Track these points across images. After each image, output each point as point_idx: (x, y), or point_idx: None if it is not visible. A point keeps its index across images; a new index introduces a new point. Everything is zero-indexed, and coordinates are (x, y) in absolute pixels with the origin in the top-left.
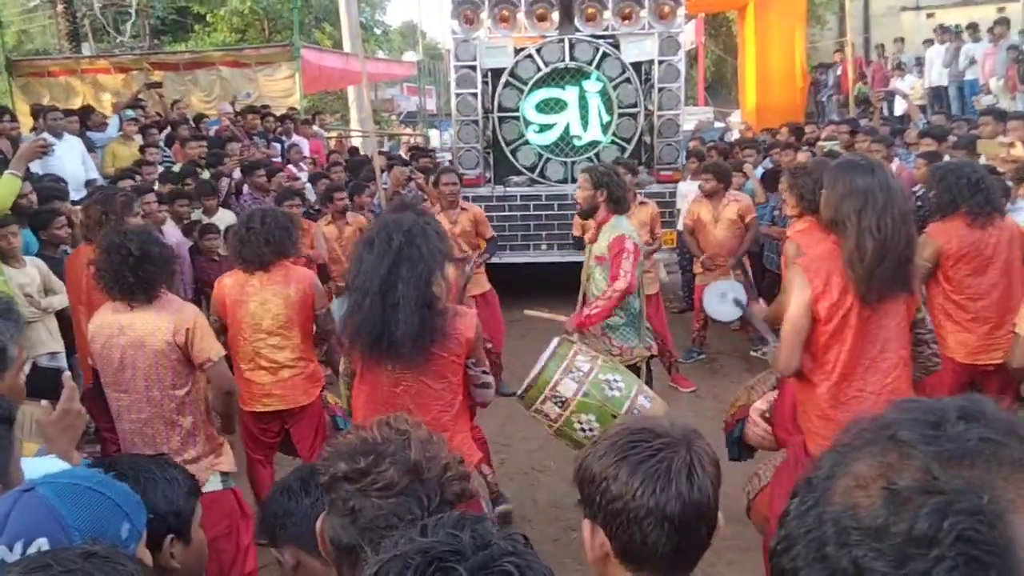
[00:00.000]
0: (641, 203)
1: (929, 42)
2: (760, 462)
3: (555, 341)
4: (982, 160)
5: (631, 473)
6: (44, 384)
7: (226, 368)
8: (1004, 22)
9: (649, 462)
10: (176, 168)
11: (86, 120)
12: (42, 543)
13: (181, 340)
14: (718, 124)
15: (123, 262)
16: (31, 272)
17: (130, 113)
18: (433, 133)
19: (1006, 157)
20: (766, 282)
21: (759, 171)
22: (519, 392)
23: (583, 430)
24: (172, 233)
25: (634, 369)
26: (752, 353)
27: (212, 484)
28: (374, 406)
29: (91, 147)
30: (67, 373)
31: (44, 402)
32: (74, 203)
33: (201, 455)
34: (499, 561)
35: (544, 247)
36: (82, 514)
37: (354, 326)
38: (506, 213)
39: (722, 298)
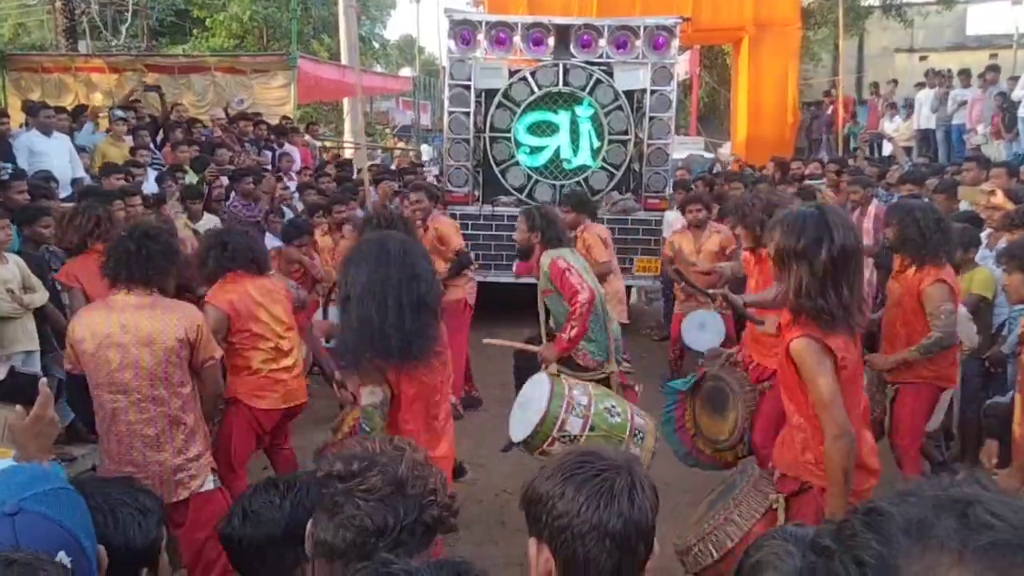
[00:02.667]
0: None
1: (921, 85)
2: (712, 510)
3: (546, 379)
4: (963, 205)
5: (577, 491)
6: (21, 389)
7: (219, 370)
8: (995, 69)
9: (593, 481)
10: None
11: (78, 118)
12: (62, 556)
13: (192, 336)
14: (707, 155)
15: (142, 245)
16: (12, 268)
17: (119, 113)
18: (426, 148)
19: (986, 204)
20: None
21: None
22: (523, 438)
23: None
24: None
25: (605, 384)
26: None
27: (208, 483)
28: (424, 410)
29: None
30: (43, 379)
31: (18, 407)
32: (63, 201)
33: (201, 452)
34: None
35: None
36: (77, 517)
37: (391, 336)
38: (493, 233)
39: (701, 328)
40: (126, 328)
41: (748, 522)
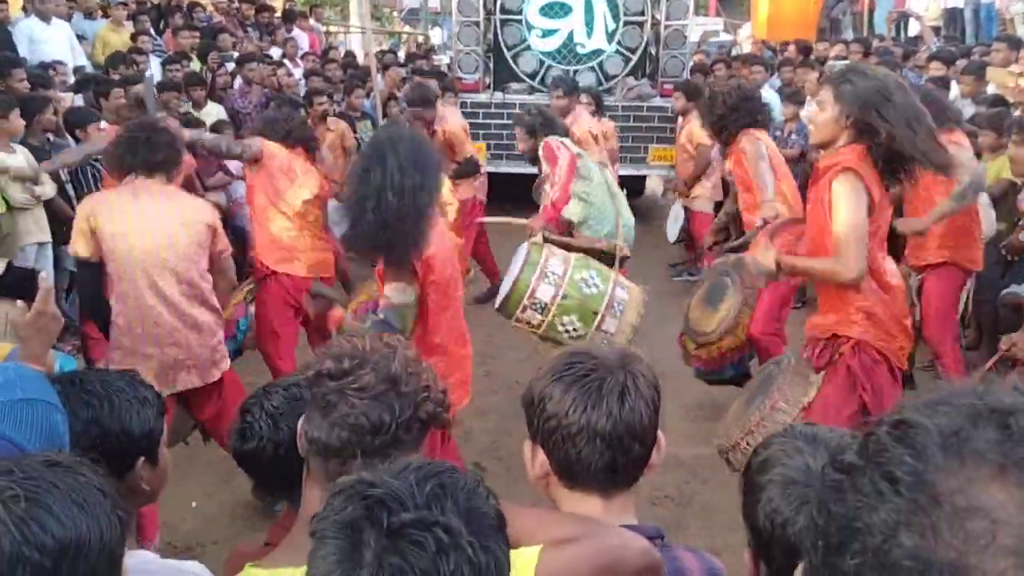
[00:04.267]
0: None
1: None
2: (753, 405)
3: (524, 247)
4: (991, 88)
5: (564, 392)
6: (19, 283)
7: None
8: None
9: (582, 381)
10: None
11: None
12: None
13: (215, 224)
14: (727, 36)
15: (153, 135)
16: (20, 159)
17: None
18: (436, 32)
19: (1015, 87)
20: None
21: (769, 90)
22: (497, 304)
23: (567, 331)
24: None
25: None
26: (675, 278)
27: (227, 361)
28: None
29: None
30: (43, 273)
31: (19, 302)
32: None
33: (223, 337)
34: (426, 529)
35: None
36: (28, 430)
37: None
38: (504, 121)
39: (675, 220)
40: (159, 214)
41: (795, 408)
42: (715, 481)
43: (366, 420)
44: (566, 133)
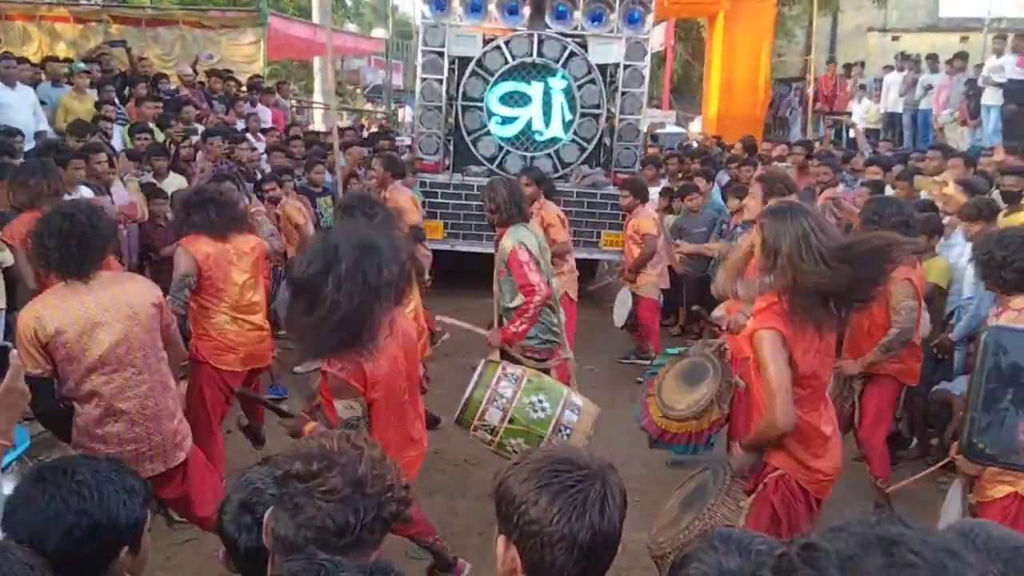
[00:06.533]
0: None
1: (889, 68)
2: (687, 516)
3: (480, 364)
4: (922, 195)
5: (550, 501)
6: None
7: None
8: (963, 56)
9: (568, 492)
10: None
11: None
12: None
13: (161, 303)
14: (678, 128)
15: (73, 235)
16: None
17: (81, 66)
18: (406, 110)
19: (938, 194)
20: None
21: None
22: (455, 418)
23: (515, 452)
24: (120, 194)
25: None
26: (622, 360)
27: (189, 440)
28: (396, 410)
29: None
30: (14, 351)
31: None
32: (25, 155)
33: (182, 414)
34: None
35: None
36: None
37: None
38: (462, 202)
39: (621, 304)
40: (105, 306)
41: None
42: (656, 569)
43: (332, 523)
44: (529, 217)
